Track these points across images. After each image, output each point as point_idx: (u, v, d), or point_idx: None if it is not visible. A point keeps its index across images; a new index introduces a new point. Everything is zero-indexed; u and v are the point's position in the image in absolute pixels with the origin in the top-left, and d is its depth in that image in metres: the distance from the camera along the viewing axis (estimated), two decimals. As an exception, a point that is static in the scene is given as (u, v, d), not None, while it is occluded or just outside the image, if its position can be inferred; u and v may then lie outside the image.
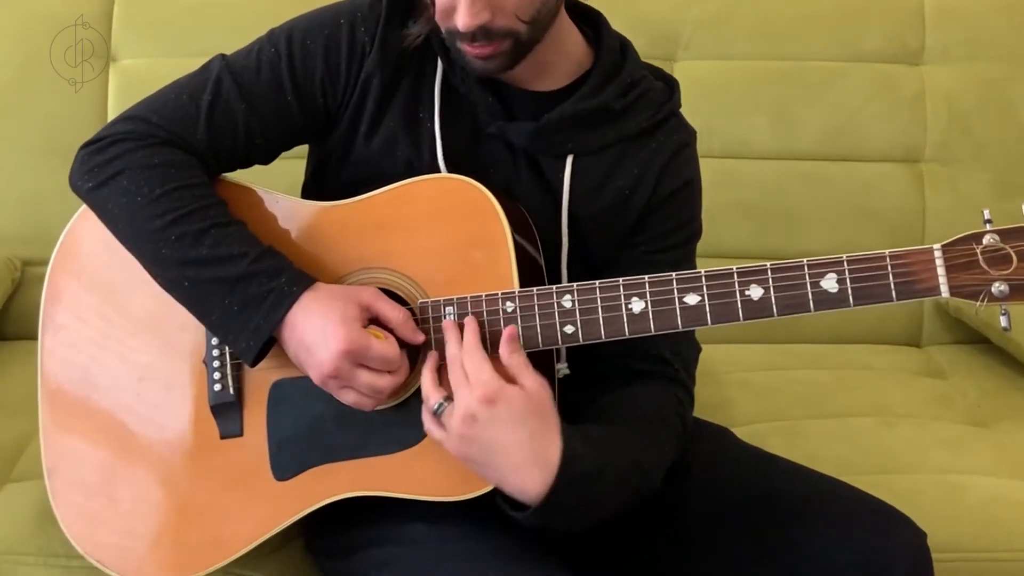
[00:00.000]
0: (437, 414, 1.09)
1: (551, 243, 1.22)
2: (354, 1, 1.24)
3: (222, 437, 1.22)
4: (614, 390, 1.22)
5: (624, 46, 1.27)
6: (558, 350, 1.22)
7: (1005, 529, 1.43)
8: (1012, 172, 1.92)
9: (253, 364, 1.16)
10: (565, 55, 1.23)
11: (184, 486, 1.23)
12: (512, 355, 1.09)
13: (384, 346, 1.11)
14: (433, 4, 1.12)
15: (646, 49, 1.89)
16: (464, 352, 1.10)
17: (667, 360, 1.24)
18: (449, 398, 1.09)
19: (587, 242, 1.24)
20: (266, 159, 1.27)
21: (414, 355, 1.16)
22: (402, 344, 1.14)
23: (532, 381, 1.07)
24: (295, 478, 1.19)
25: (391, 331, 1.13)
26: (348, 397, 1.13)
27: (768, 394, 1.73)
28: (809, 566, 1.15)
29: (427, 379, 1.12)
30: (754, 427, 1.60)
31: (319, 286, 1.14)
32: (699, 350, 1.30)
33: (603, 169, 1.23)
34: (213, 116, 1.20)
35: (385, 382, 1.12)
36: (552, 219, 1.22)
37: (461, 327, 1.12)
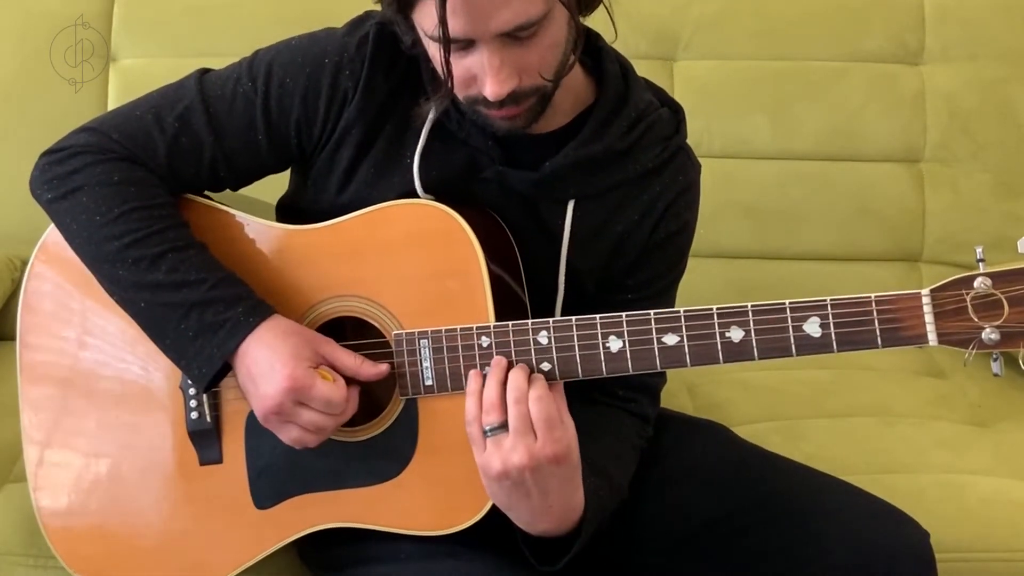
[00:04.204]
0: (487, 435, 1.05)
1: (546, 289, 1.19)
2: (343, 39, 1.17)
3: (201, 464, 1.21)
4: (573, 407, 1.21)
5: (625, 70, 1.21)
6: None
7: (1005, 529, 1.42)
8: (1012, 172, 1.92)
9: (205, 391, 1.15)
10: (566, 91, 1.15)
11: (166, 510, 1.22)
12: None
13: (329, 388, 1.08)
14: (449, 76, 1.04)
15: (646, 49, 1.91)
16: (535, 396, 1.04)
17: (629, 398, 1.24)
18: (504, 426, 1.04)
19: (582, 288, 1.21)
20: (233, 187, 1.24)
21: (387, 386, 1.14)
22: (351, 382, 1.11)
23: (570, 427, 1.06)
24: (276, 507, 1.19)
25: (347, 378, 1.11)
26: (290, 434, 1.10)
27: (768, 394, 1.72)
28: (811, 566, 1.14)
29: (492, 390, 1.06)
30: (754, 427, 1.59)
31: (277, 318, 1.11)
32: (664, 380, 1.30)
33: (605, 213, 1.19)
34: (178, 142, 1.17)
35: (328, 422, 1.09)
36: (549, 265, 1.19)
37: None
